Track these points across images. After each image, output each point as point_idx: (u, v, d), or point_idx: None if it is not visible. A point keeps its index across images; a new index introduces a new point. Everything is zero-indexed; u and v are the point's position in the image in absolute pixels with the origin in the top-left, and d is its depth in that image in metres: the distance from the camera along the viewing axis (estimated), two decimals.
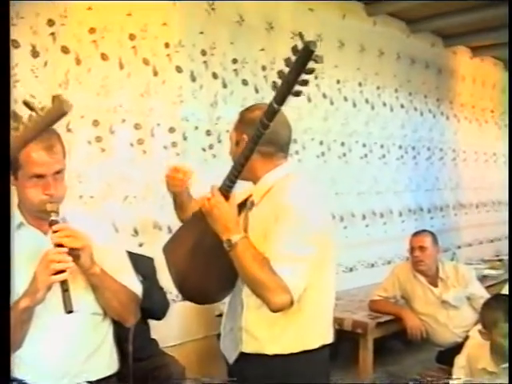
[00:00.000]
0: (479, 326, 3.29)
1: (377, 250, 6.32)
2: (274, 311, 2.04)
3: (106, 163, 4.12)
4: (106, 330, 2.21)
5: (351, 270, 6.03)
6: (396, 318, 4.30)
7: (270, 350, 2.16)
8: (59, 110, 1.43)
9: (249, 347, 2.20)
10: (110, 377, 2.20)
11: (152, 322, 3.82)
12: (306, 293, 2.13)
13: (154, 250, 4.16)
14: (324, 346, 2.23)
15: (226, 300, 2.37)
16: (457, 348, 3.97)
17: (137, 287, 2.24)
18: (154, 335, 3.91)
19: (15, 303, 1.90)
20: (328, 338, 2.27)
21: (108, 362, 2.21)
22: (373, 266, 6.27)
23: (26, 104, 1.43)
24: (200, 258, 2.19)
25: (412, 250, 4.38)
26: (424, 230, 4.62)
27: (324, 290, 2.24)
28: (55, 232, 1.93)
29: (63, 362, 2.07)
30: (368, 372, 4.21)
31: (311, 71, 1.78)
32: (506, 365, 2.85)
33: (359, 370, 4.23)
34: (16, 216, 2.09)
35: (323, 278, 2.21)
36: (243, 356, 2.21)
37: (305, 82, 1.80)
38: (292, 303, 2.02)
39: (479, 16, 6.15)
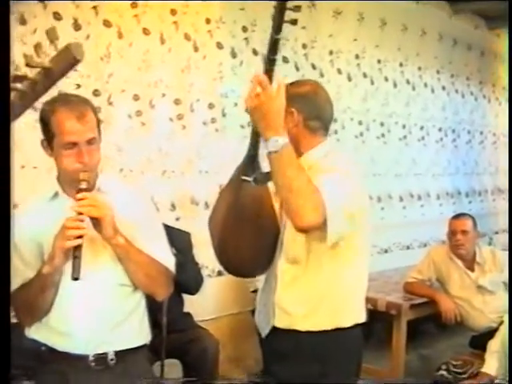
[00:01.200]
0: None
1: (413, 233, 6.28)
2: (301, 227, 1.95)
3: (146, 137, 4.14)
4: (138, 302, 2.21)
5: (386, 251, 6.01)
6: (430, 300, 4.27)
7: (302, 326, 2.16)
8: (70, 58, 1.39)
9: (281, 322, 2.20)
10: (139, 347, 2.21)
11: (187, 297, 3.84)
12: (341, 270, 2.15)
13: (191, 224, 4.21)
14: (356, 326, 2.23)
15: (262, 277, 2.37)
16: (491, 333, 3.95)
17: (169, 260, 2.23)
18: (189, 309, 3.94)
19: (38, 270, 1.99)
20: (361, 317, 2.26)
21: (138, 333, 2.22)
22: (408, 248, 6.24)
23: (28, 64, 1.40)
24: (235, 224, 2.16)
25: (452, 233, 4.32)
26: (465, 214, 4.56)
27: (358, 268, 2.24)
28: (79, 200, 1.95)
29: (90, 330, 2.10)
30: (400, 354, 4.20)
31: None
32: None
33: (392, 351, 4.22)
34: (52, 186, 2.13)
35: (357, 257, 2.22)
36: (275, 331, 2.22)
37: (297, 8, 1.84)
38: (319, 226, 1.94)
39: None
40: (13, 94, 1.40)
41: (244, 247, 2.16)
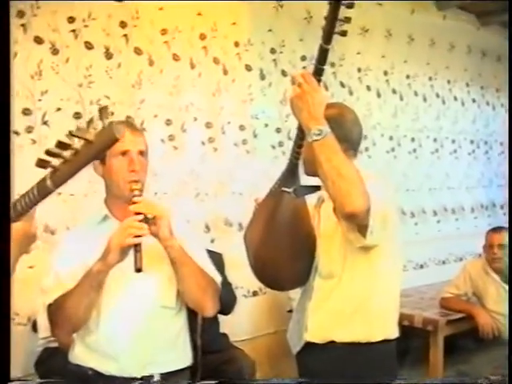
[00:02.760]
0: None
1: (448, 247, 6.23)
2: (349, 212, 1.92)
3: (179, 161, 4.21)
4: (181, 324, 2.27)
5: (422, 266, 5.97)
6: (467, 315, 4.25)
7: (336, 337, 2.20)
8: (111, 136, 1.45)
9: (314, 336, 2.24)
10: (183, 369, 2.26)
11: (224, 317, 3.88)
12: (373, 283, 2.19)
13: (225, 246, 4.26)
14: (389, 341, 2.24)
15: (298, 296, 2.41)
16: None
17: (216, 275, 2.26)
18: (224, 330, 3.98)
19: (87, 271, 2.00)
20: (392, 332, 2.28)
21: (181, 355, 2.27)
22: (444, 262, 6.19)
23: (71, 133, 1.45)
24: (274, 236, 2.18)
25: (490, 246, 4.29)
26: (502, 227, 4.52)
27: (390, 281, 2.27)
28: (134, 204, 2.01)
29: (136, 353, 2.14)
30: (438, 370, 4.18)
31: (350, 6, 1.88)
32: None
33: (429, 367, 4.20)
34: (102, 209, 2.19)
35: (390, 270, 2.24)
36: (308, 346, 2.27)
37: (347, 19, 1.90)
38: (365, 215, 1.94)
39: None
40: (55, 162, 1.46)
41: (283, 258, 2.19)
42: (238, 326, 4.33)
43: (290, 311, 4.47)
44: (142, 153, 2.16)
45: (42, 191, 1.48)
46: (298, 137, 2.11)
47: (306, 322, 2.26)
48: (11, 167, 1.51)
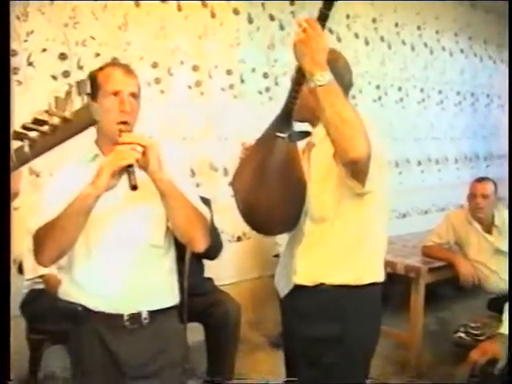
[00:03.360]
0: None
1: (431, 197, 6.29)
2: (353, 158, 1.91)
3: (165, 104, 4.17)
4: (169, 264, 2.28)
5: (404, 215, 6.03)
6: (449, 264, 4.30)
7: (326, 279, 2.21)
8: (89, 117, 1.44)
9: (303, 279, 2.24)
10: (170, 308, 2.28)
11: (207, 262, 3.90)
12: (365, 228, 2.20)
13: (210, 190, 4.26)
14: (376, 284, 2.27)
15: (284, 242, 2.41)
16: (507, 296, 3.98)
17: (206, 211, 2.25)
18: (209, 274, 4.00)
19: (78, 194, 1.97)
20: (379, 276, 2.31)
21: (169, 295, 2.29)
22: (426, 212, 6.25)
23: (48, 112, 1.43)
24: (266, 180, 2.18)
25: (473, 196, 4.31)
26: (486, 178, 4.53)
27: (380, 226, 2.29)
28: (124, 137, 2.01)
29: (124, 290, 2.14)
30: (419, 316, 4.24)
31: None
32: None
33: (410, 314, 4.26)
34: (92, 149, 2.17)
35: (380, 216, 2.26)
36: (296, 289, 2.27)
37: None
38: (366, 160, 1.94)
39: None
40: (32, 134, 1.45)
41: (275, 202, 2.17)
42: (222, 271, 4.37)
43: (277, 256, 4.51)
44: (133, 95, 2.12)
45: (20, 158, 1.47)
46: (295, 82, 2.06)
47: (295, 265, 2.26)
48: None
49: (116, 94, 2.08)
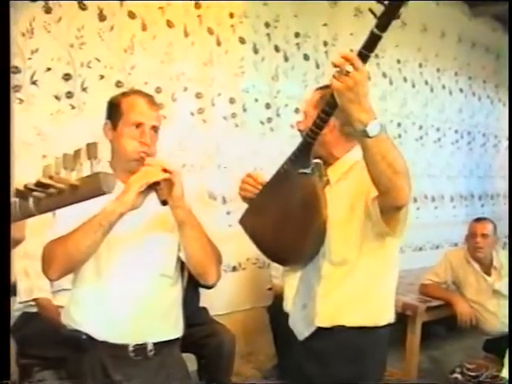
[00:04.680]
0: None
1: (426, 234, 6.26)
2: (402, 205, 1.90)
3: (167, 130, 4.11)
4: (177, 294, 2.24)
5: (399, 252, 5.99)
6: (446, 303, 4.27)
7: (346, 321, 2.15)
8: (97, 188, 1.41)
9: (324, 320, 2.17)
10: (175, 340, 2.24)
11: (204, 290, 3.84)
12: (386, 269, 2.18)
13: (208, 219, 4.20)
14: (389, 325, 2.23)
15: (278, 273, 2.36)
16: (505, 337, 3.95)
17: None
18: (204, 303, 3.94)
19: (101, 210, 1.94)
20: (393, 316, 2.27)
21: (175, 326, 2.24)
22: (421, 249, 6.22)
23: (52, 178, 1.40)
24: (290, 218, 2.12)
25: (472, 236, 4.31)
26: (486, 218, 4.54)
27: (396, 268, 2.26)
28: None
29: (131, 319, 2.10)
30: (415, 355, 4.20)
31: None
32: None
33: (406, 352, 4.21)
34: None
35: (397, 257, 2.23)
36: (315, 331, 2.20)
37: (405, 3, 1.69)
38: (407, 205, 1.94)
39: None
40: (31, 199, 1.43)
41: (299, 239, 2.13)
42: (216, 301, 4.30)
43: (270, 289, 4.47)
44: (154, 128, 2.12)
45: (24, 211, 1.45)
46: (323, 117, 1.94)
47: (315, 307, 2.18)
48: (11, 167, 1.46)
49: (138, 125, 2.07)
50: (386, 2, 1.68)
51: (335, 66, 1.75)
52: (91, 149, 1.49)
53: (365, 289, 2.14)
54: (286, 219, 2.14)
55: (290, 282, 2.29)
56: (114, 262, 2.07)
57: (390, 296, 2.25)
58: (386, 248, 2.14)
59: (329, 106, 1.89)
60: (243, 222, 2.32)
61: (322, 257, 2.16)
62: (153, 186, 1.95)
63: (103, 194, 1.44)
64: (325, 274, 2.16)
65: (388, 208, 1.94)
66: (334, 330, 2.16)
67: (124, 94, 2.19)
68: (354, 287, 2.15)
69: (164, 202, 1.95)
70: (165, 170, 1.96)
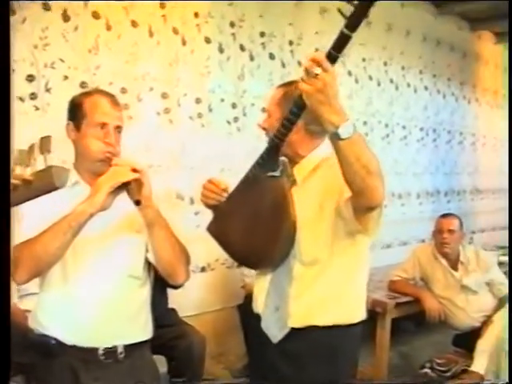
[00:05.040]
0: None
1: (394, 231, 6.29)
2: (377, 205, 1.91)
3: (132, 131, 4.10)
4: (146, 296, 2.23)
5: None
6: (415, 299, 4.29)
7: (319, 321, 2.14)
8: (49, 182, 1.39)
9: (299, 321, 2.16)
10: (145, 342, 2.23)
11: (172, 291, 3.81)
12: (358, 267, 2.18)
13: (176, 219, 4.17)
14: (362, 322, 2.24)
15: (249, 272, 2.34)
16: (474, 332, 3.99)
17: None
18: (173, 304, 3.92)
19: (70, 211, 1.91)
20: (364, 313, 2.27)
21: (145, 328, 2.23)
22: (389, 246, 6.26)
23: None
24: (261, 222, 2.11)
25: (439, 231, 4.34)
26: (452, 214, 4.59)
27: (367, 266, 2.26)
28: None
29: (100, 322, 2.09)
30: (384, 352, 4.21)
31: None
32: None
33: (376, 349, 4.23)
34: (71, 174, 2.11)
35: (368, 254, 2.24)
36: (289, 332, 2.19)
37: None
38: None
39: (505, 1, 6.07)
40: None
41: (270, 242, 2.11)
42: (185, 302, 4.27)
43: (243, 287, 4.47)
44: (118, 128, 2.12)
45: None
46: (291, 119, 1.92)
47: (288, 309, 2.17)
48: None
49: (103, 125, 2.05)
50: (355, 2, 1.66)
51: (305, 69, 1.71)
52: (45, 143, 1.47)
53: (337, 288, 2.14)
54: (256, 223, 2.12)
55: (261, 285, 2.28)
56: (81, 264, 2.05)
57: (361, 293, 2.25)
58: (357, 246, 2.14)
59: (297, 108, 1.87)
60: (211, 229, 2.30)
61: (293, 258, 2.14)
62: (123, 187, 1.94)
63: (56, 188, 1.42)
64: (296, 274, 2.15)
65: (362, 208, 1.94)
66: (307, 330, 2.15)
67: (86, 94, 2.16)
68: (326, 287, 2.14)
69: (138, 202, 1.93)
70: (134, 170, 1.94)
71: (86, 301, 2.06)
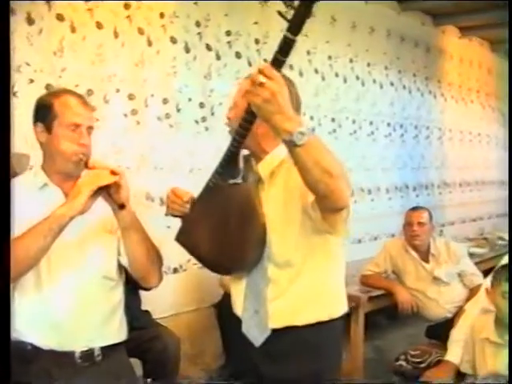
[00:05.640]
0: (480, 298, 3.34)
1: (364, 226, 6.33)
2: (342, 207, 1.84)
3: (100, 133, 4.05)
4: (120, 297, 2.21)
5: None
6: (387, 292, 4.33)
7: (299, 321, 2.12)
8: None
9: (279, 321, 2.13)
10: (121, 343, 2.22)
11: (144, 295, 3.79)
12: (332, 263, 2.16)
13: (146, 221, 4.14)
14: (341, 317, 2.23)
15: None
16: (447, 323, 4.03)
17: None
18: (146, 306, 3.90)
19: (51, 213, 1.90)
20: (346, 306, 2.27)
21: (120, 329, 2.22)
22: (360, 241, 6.29)
23: None
24: (229, 230, 2.07)
25: (409, 224, 4.38)
26: (421, 207, 4.65)
27: (342, 259, 2.25)
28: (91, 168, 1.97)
29: (76, 325, 2.07)
30: (359, 345, 4.25)
31: None
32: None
33: (350, 343, 4.25)
34: (39, 176, 2.09)
35: (341, 248, 2.22)
36: (271, 334, 2.17)
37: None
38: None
39: None
40: None
41: (240, 248, 2.09)
42: (158, 304, 4.25)
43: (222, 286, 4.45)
44: (90, 129, 2.10)
45: None
46: (245, 125, 1.87)
47: (267, 311, 2.14)
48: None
49: (76, 126, 2.03)
50: (295, 4, 1.65)
51: (250, 79, 1.66)
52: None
53: (314, 286, 2.13)
54: (224, 231, 2.09)
55: (238, 288, 2.25)
56: (54, 266, 2.03)
57: (340, 288, 2.23)
58: (329, 244, 2.12)
59: (249, 115, 1.82)
60: (180, 239, 2.24)
61: (267, 260, 2.12)
62: (102, 190, 1.92)
63: (16, 174, 1.42)
64: (272, 276, 2.12)
65: (329, 210, 1.91)
66: (288, 330, 2.12)
67: (55, 94, 2.13)
68: (302, 286, 2.12)
69: (122, 206, 1.92)
70: (113, 173, 1.92)
71: (61, 304, 2.04)
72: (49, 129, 2.05)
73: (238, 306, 2.25)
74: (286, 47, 1.67)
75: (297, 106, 2.11)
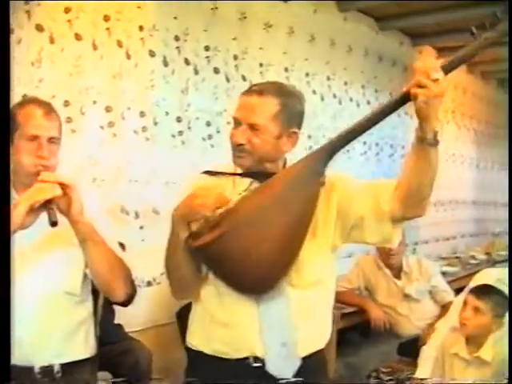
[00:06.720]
0: (451, 315, 3.37)
1: None
2: (423, 215, 1.99)
3: (76, 145, 4.06)
4: (85, 313, 2.19)
5: None
6: (360, 309, 4.35)
7: (324, 343, 2.12)
8: None
9: (306, 349, 2.04)
10: (86, 360, 2.19)
11: (119, 307, 3.77)
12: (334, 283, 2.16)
13: (121, 233, 4.13)
14: None
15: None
16: (418, 340, 4.06)
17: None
18: (119, 320, 3.88)
19: None
20: None
21: (84, 346, 2.18)
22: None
23: None
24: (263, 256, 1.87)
25: None
26: None
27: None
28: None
29: (36, 340, 2.05)
30: (331, 363, 4.24)
31: None
32: (479, 354, 2.91)
33: None
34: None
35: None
36: None
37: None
38: None
39: (447, 17, 6.25)
40: None
41: (275, 267, 1.94)
42: (131, 317, 4.23)
43: None
44: (53, 139, 2.05)
45: None
46: (382, 114, 1.97)
47: (296, 341, 1.99)
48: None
49: (34, 138, 1.99)
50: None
51: (423, 72, 1.73)
52: None
53: (329, 304, 2.11)
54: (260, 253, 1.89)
55: (248, 323, 1.99)
56: (16, 281, 2.00)
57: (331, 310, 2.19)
58: (334, 260, 2.12)
59: (403, 98, 1.91)
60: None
61: (288, 284, 1.98)
62: (44, 206, 1.87)
63: None
64: (298, 301, 1.99)
65: (406, 219, 1.98)
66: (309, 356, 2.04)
67: (20, 105, 2.09)
68: (320, 310, 2.08)
69: (54, 224, 1.85)
70: (61, 185, 1.89)
71: (20, 318, 2.01)
72: (12, 140, 2.01)
73: (247, 347, 2.01)
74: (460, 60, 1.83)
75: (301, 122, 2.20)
